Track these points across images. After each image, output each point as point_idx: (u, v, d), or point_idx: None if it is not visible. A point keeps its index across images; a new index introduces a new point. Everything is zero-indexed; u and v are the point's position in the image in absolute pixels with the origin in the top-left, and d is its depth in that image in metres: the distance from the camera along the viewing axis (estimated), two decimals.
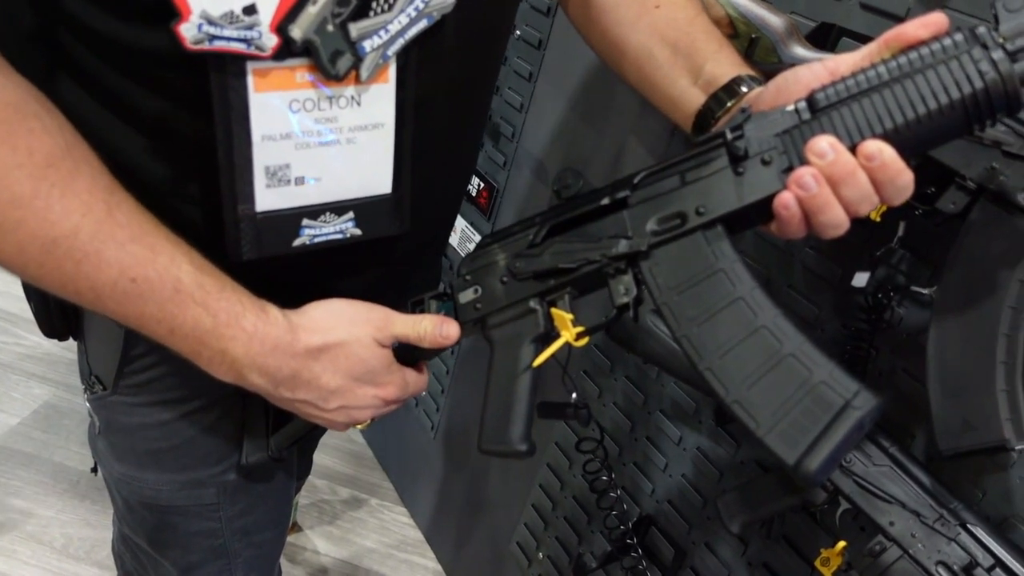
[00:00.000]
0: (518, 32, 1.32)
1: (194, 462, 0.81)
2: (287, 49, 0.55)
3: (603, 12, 0.75)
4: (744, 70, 0.65)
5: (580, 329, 0.61)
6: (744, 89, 0.63)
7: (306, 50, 0.56)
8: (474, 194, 1.51)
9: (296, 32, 0.54)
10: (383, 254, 0.72)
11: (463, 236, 1.56)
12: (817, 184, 0.51)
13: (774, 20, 0.78)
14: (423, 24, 0.59)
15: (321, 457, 1.85)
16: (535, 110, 1.34)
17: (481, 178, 1.49)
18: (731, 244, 0.56)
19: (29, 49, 0.57)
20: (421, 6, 0.59)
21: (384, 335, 0.68)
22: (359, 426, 0.73)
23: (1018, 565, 0.65)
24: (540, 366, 0.63)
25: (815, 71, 0.56)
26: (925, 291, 0.72)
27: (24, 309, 0.77)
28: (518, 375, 0.63)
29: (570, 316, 0.61)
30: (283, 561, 1.69)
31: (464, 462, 1.62)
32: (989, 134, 0.61)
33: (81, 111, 0.60)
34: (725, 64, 0.66)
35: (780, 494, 0.81)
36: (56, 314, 0.76)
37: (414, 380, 0.72)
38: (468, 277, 0.68)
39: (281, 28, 0.54)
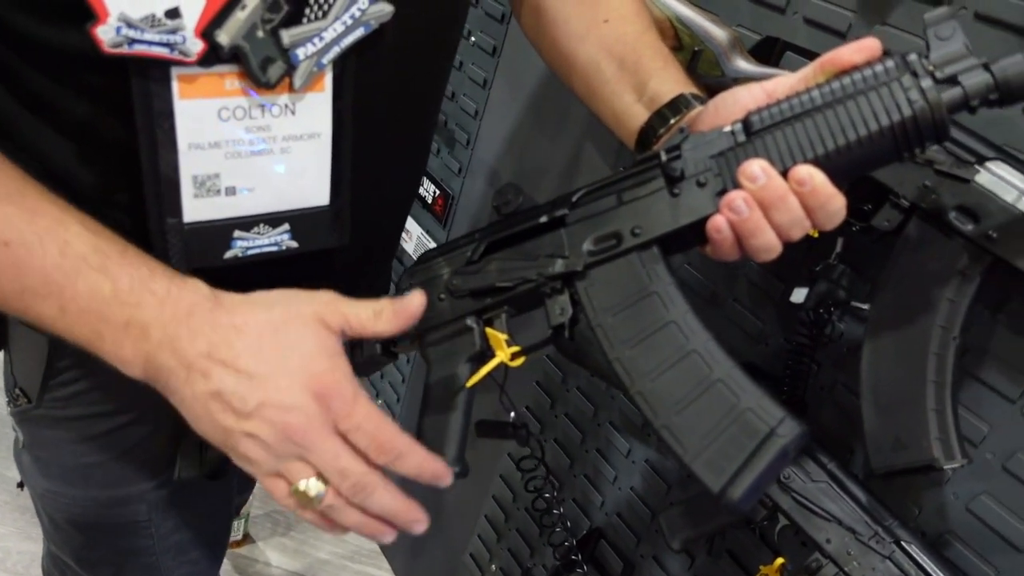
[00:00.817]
0: (473, 38, 1.31)
1: (124, 478, 0.77)
2: (214, 55, 0.53)
3: (553, 24, 0.74)
4: (688, 88, 0.65)
5: (515, 349, 0.61)
6: (686, 108, 0.63)
7: (235, 56, 0.54)
8: (429, 201, 1.50)
9: (223, 37, 0.53)
10: (324, 266, 0.71)
11: (418, 244, 1.55)
12: (749, 208, 0.51)
13: (718, 32, 0.78)
14: (360, 32, 0.58)
15: None
16: (489, 117, 1.33)
17: (436, 185, 1.48)
18: (666, 266, 0.56)
19: None
20: (357, 14, 0.57)
21: (331, 311, 0.57)
22: (298, 488, 0.54)
23: None
24: (476, 385, 0.62)
25: (753, 92, 0.56)
26: (865, 306, 0.72)
27: None
28: (453, 395, 0.62)
29: (504, 336, 0.60)
30: (234, 574, 1.66)
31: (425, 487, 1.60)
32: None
33: (9, 114, 0.57)
34: (669, 81, 0.66)
35: (721, 511, 0.81)
36: None
37: (370, 407, 0.55)
38: (407, 294, 0.67)
39: (207, 33, 0.52)
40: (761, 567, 0.78)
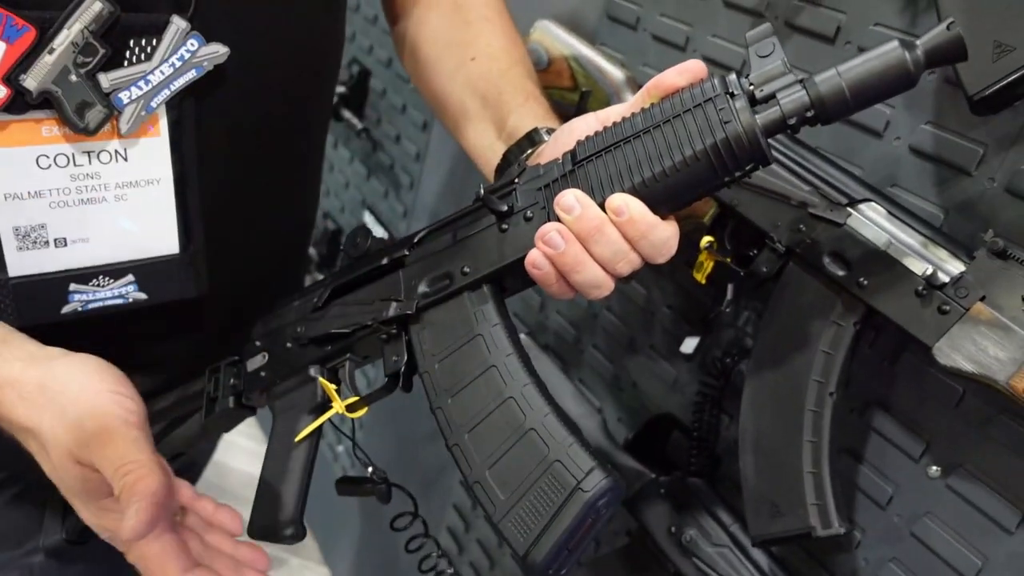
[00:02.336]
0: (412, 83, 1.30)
1: None
2: (22, 101, 0.51)
3: (426, 64, 0.72)
4: (548, 123, 0.62)
5: (353, 400, 0.57)
6: (538, 142, 0.60)
7: (46, 102, 0.52)
8: None
9: (30, 82, 0.50)
10: (190, 319, 0.68)
11: None
12: (565, 241, 0.48)
13: (612, 72, 0.76)
14: (192, 75, 0.56)
15: (243, 512, 1.78)
16: (431, 159, 1.31)
17: (384, 228, 1.45)
18: (496, 306, 0.52)
19: None
20: (186, 55, 0.55)
21: (83, 452, 0.51)
22: None
23: None
24: (317, 441, 0.58)
25: (588, 121, 0.53)
26: None
27: None
28: (291, 451, 0.58)
29: (334, 387, 0.56)
30: None
31: (384, 519, 1.55)
32: (796, 194, 0.58)
33: None
34: (528, 117, 0.63)
35: (626, 572, 0.76)
36: None
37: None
38: (258, 343, 0.63)
39: (11, 78, 0.50)
40: None
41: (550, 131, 0.61)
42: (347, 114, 1.46)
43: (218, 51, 0.56)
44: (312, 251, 1.67)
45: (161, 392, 0.68)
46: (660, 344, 0.86)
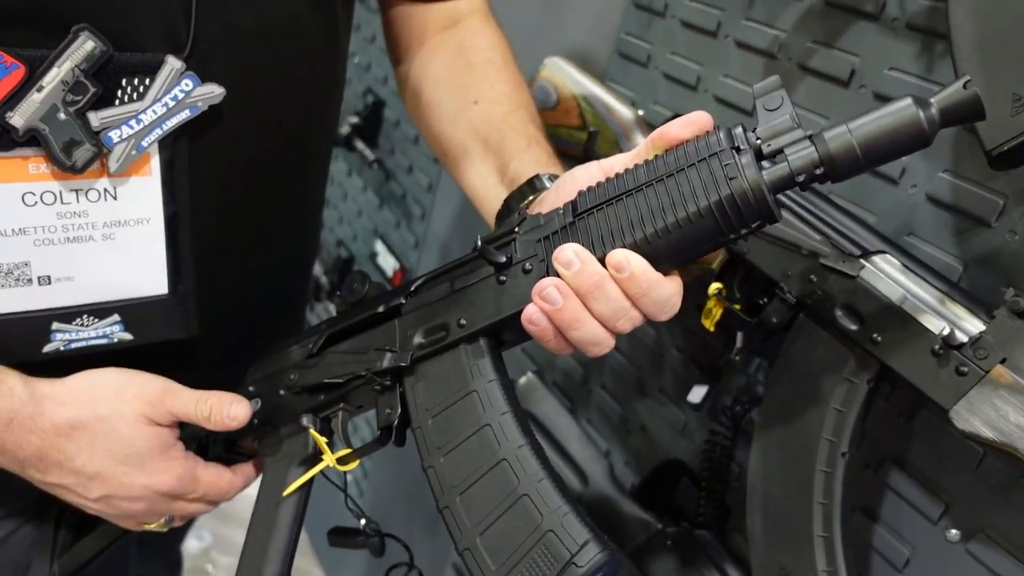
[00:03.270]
0: None
1: None
2: (8, 138, 0.50)
3: (428, 107, 0.71)
4: (550, 169, 0.60)
5: (344, 452, 0.55)
6: (540, 189, 0.58)
7: (33, 139, 0.51)
8: (389, 274, 1.46)
9: (17, 120, 0.50)
10: (180, 358, 0.66)
11: None
12: (563, 297, 0.46)
13: (621, 111, 0.74)
14: (185, 115, 0.55)
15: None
16: (443, 190, 1.30)
17: (396, 258, 1.44)
18: (493, 361, 0.50)
19: None
20: (180, 95, 0.54)
21: (158, 411, 0.58)
22: (151, 527, 0.63)
23: None
24: (307, 496, 0.56)
25: (591, 171, 0.51)
26: None
27: None
28: (279, 504, 0.56)
29: (324, 439, 0.54)
30: None
31: (391, 549, 1.52)
32: (807, 243, 0.55)
33: None
34: (530, 162, 0.61)
35: None
36: None
37: (211, 477, 0.62)
38: (252, 388, 0.61)
39: None
40: None
41: (552, 177, 0.59)
42: (360, 144, 1.46)
43: (213, 91, 0.55)
44: (323, 279, 1.66)
45: None
46: (669, 387, 0.83)
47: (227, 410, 0.60)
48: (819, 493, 0.53)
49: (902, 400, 0.59)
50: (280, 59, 0.61)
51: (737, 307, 0.63)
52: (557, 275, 0.46)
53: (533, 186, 0.59)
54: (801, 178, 0.41)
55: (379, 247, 1.50)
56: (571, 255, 0.46)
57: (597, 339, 0.46)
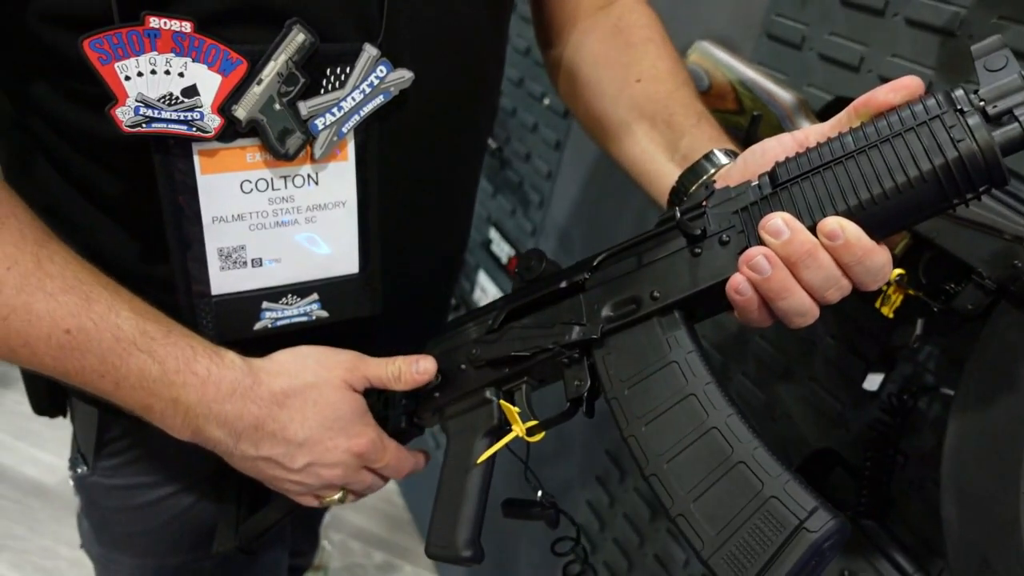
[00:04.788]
0: (546, 101, 1.30)
1: (167, 548, 0.78)
2: (232, 130, 0.53)
3: (586, 87, 0.72)
4: (722, 144, 0.60)
5: (532, 423, 0.56)
6: (717, 164, 0.59)
7: (253, 130, 0.54)
8: (504, 261, 1.48)
9: (240, 112, 0.53)
10: (360, 336, 0.69)
11: None
12: (772, 266, 0.46)
13: (783, 95, 0.73)
14: (379, 100, 0.57)
15: (359, 518, 1.83)
16: (562, 178, 1.31)
17: (511, 244, 1.46)
18: (689, 333, 0.50)
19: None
20: (376, 82, 0.56)
21: (355, 376, 0.63)
22: (328, 500, 0.66)
23: None
24: (493, 464, 0.58)
25: (783, 142, 0.51)
26: (953, 392, 0.63)
27: None
28: (468, 472, 0.58)
29: (517, 409, 0.56)
30: None
31: (497, 534, 1.55)
32: (1010, 228, 0.54)
33: (60, 197, 0.60)
34: (702, 139, 0.62)
35: None
36: (44, 391, 0.75)
37: (394, 449, 0.66)
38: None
39: (224, 108, 0.52)
40: None
41: (728, 152, 0.59)
42: None
43: (404, 76, 0.57)
44: None
45: None
46: (822, 375, 0.82)
47: (415, 367, 0.63)
48: None
49: None
50: (457, 47, 0.63)
51: (920, 294, 0.61)
52: (761, 244, 0.46)
53: (711, 162, 0.59)
54: None
55: (493, 234, 1.52)
56: (780, 224, 0.46)
57: (804, 309, 0.46)
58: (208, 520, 0.76)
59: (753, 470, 0.46)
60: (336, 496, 0.66)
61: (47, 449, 1.87)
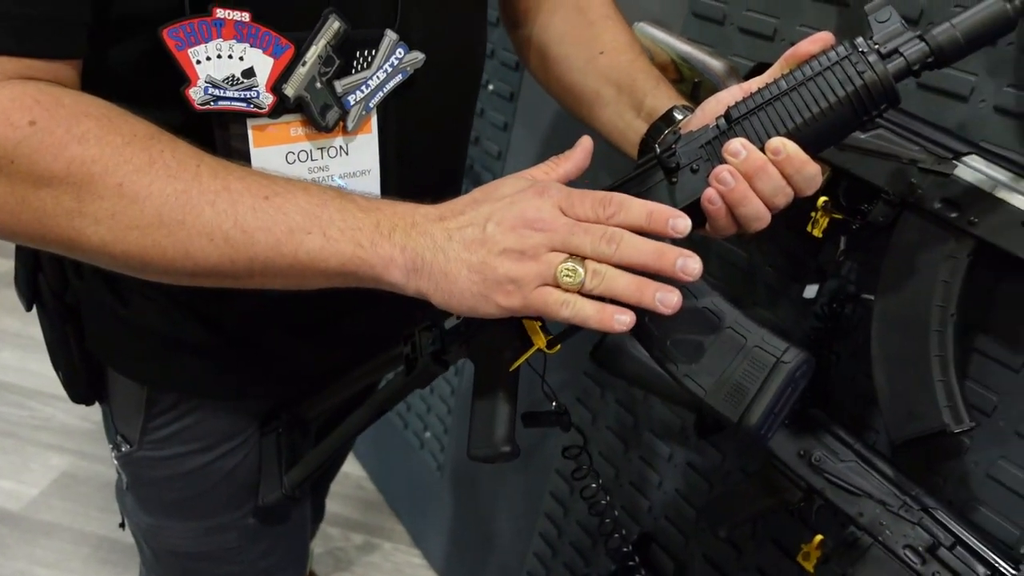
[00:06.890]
0: (491, 87, 1.41)
1: (216, 508, 0.85)
2: (282, 106, 0.62)
3: (555, 62, 0.84)
4: (679, 101, 0.74)
5: (551, 337, 0.67)
6: (679, 116, 0.72)
7: (298, 106, 0.63)
8: None
9: (289, 90, 0.62)
10: (385, 294, 0.77)
11: None
12: (734, 179, 0.58)
13: (715, 64, 0.87)
14: (398, 79, 0.67)
15: (334, 505, 1.88)
16: (512, 158, 1.42)
17: None
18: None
19: None
20: (396, 62, 0.66)
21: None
22: (565, 275, 0.56)
23: (975, 541, 0.70)
24: (518, 375, 0.68)
25: (732, 92, 0.64)
26: (872, 297, 0.78)
27: (38, 383, 0.80)
28: (498, 383, 0.68)
29: (538, 323, 0.67)
30: None
31: (472, 498, 1.65)
32: (905, 153, 0.69)
33: None
34: (662, 98, 0.75)
35: (759, 496, 0.86)
36: (83, 381, 0.81)
37: (579, 190, 0.60)
38: None
39: (276, 87, 0.61)
40: (802, 546, 0.83)
41: (684, 108, 0.72)
42: None
43: (417, 57, 0.68)
44: None
45: (364, 359, 0.79)
46: (763, 298, 0.97)
47: (672, 221, 0.56)
48: (935, 348, 0.66)
49: (983, 278, 0.72)
50: (456, 29, 0.73)
51: (841, 216, 0.76)
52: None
53: (672, 116, 0.72)
54: (916, 67, 0.56)
55: None
56: (738, 146, 0.58)
57: (759, 214, 0.59)
58: (253, 477, 0.84)
59: (738, 331, 0.61)
60: (566, 263, 0.56)
61: (3, 476, 1.86)
